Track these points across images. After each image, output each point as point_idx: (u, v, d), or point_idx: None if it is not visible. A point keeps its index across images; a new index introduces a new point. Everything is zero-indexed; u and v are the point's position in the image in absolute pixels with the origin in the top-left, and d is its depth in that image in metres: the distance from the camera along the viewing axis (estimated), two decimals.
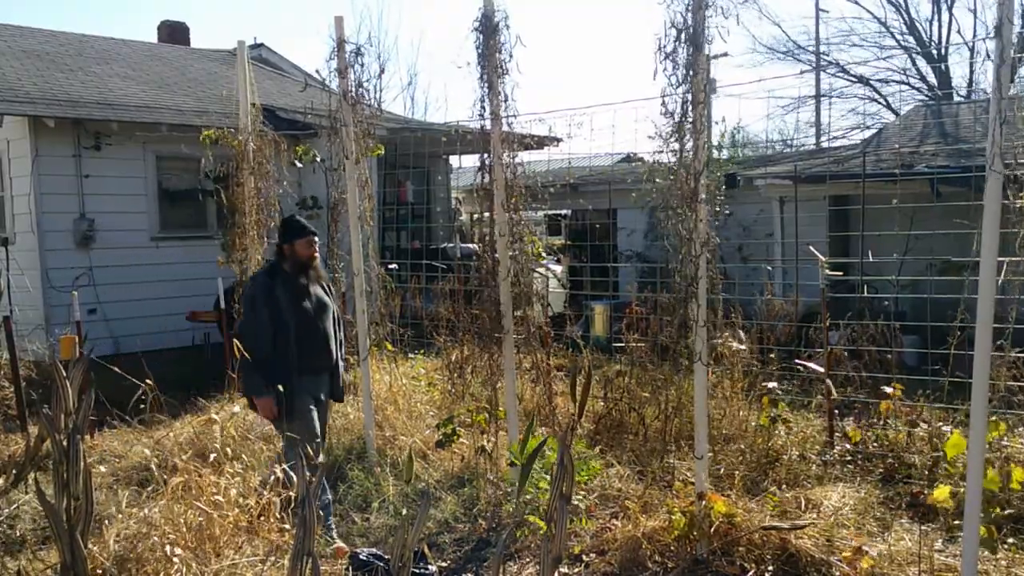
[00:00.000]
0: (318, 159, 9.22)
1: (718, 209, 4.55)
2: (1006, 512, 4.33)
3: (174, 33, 16.69)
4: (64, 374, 2.31)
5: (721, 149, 14.90)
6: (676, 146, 4.30)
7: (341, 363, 5.25)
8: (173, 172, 11.19)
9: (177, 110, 11.33)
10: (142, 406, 5.73)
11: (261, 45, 16.58)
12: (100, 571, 3.70)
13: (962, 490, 4.15)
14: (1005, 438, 5.10)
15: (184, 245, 10.87)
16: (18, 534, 4.86)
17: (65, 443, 2.27)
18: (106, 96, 11.13)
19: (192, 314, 10.09)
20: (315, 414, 4.95)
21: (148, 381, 5.51)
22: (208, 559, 3.92)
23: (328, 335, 5.03)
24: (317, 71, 5.90)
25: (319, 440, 4.94)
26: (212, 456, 4.97)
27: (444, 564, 4.50)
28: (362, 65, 5.83)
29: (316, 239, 5.05)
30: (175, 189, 11.20)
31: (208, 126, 7.08)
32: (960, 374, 5.00)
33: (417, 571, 4.15)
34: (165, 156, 10.88)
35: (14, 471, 5.42)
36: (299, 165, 6.95)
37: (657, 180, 4.56)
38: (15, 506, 5.13)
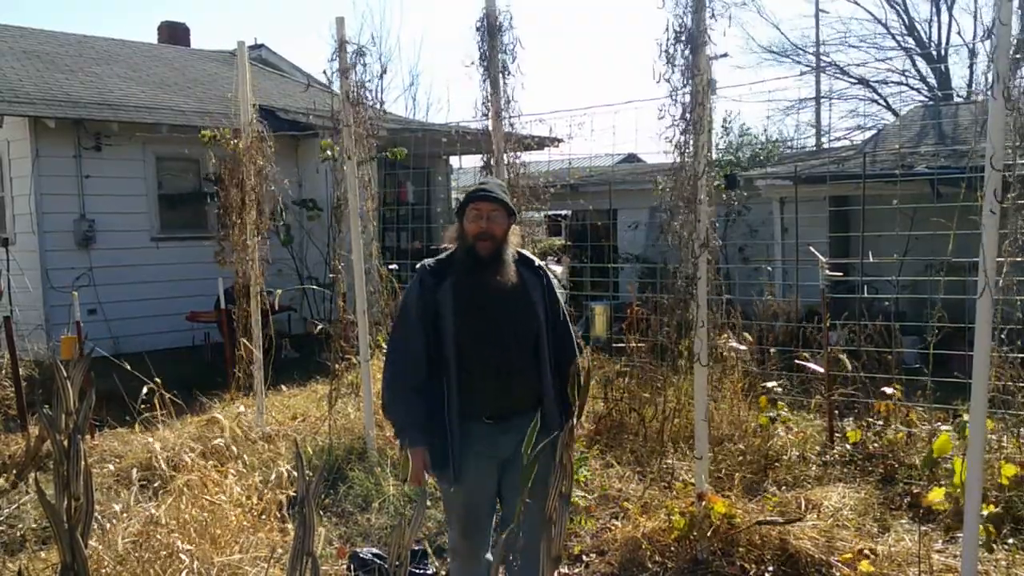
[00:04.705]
0: (329, 155, 9.22)
1: (729, 213, 4.58)
2: (997, 510, 4.34)
3: (174, 33, 16.72)
4: (64, 374, 2.31)
5: (738, 149, 14.91)
6: (678, 147, 4.31)
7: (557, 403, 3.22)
8: (173, 172, 11.22)
9: (177, 111, 11.35)
10: (143, 406, 5.75)
11: (261, 46, 16.60)
12: (105, 569, 3.72)
13: (957, 491, 4.17)
14: (1004, 437, 5.12)
15: (184, 245, 10.88)
16: (19, 534, 4.87)
17: (65, 443, 2.28)
18: (106, 97, 11.15)
19: (192, 314, 10.11)
20: (484, 491, 3.28)
21: (158, 379, 5.54)
22: (211, 557, 3.92)
23: (521, 359, 3.24)
24: (324, 72, 5.90)
25: (484, 536, 3.35)
26: (214, 455, 4.98)
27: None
28: (364, 66, 5.85)
29: (491, 204, 3.22)
30: (175, 190, 11.23)
31: (209, 126, 7.08)
32: (959, 374, 5.01)
33: (416, 571, 4.16)
34: (165, 157, 10.90)
35: (15, 471, 5.44)
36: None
37: (658, 181, 4.58)
38: (16, 506, 5.14)
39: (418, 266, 3.36)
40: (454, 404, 3.17)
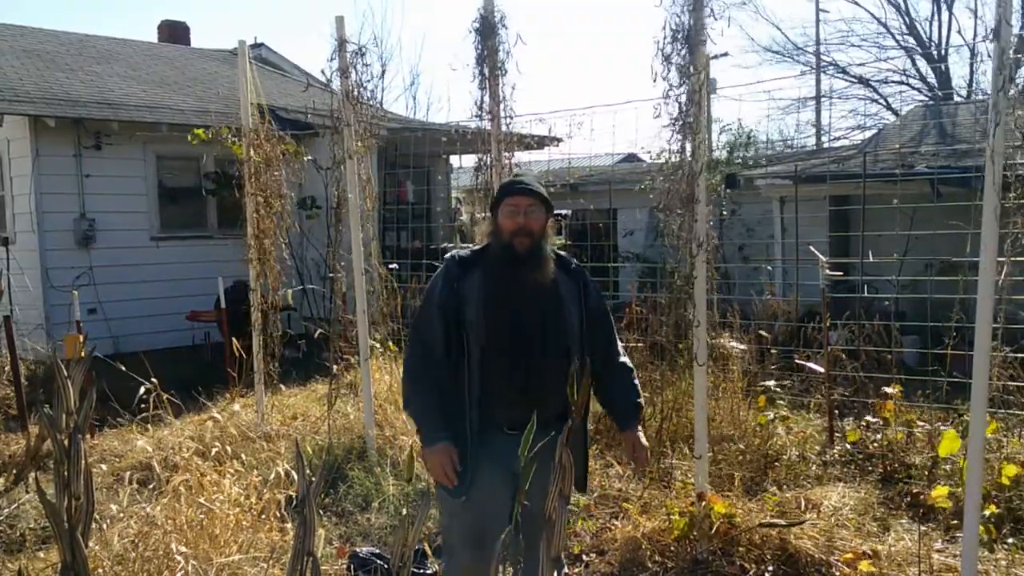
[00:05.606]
0: (308, 158, 9.22)
1: (723, 211, 4.58)
2: (998, 510, 4.34)
3: (174, 33, 16.71)
4: (65, 373, 2.31)
5: (740, 148, 14.87)
6: (675, 147, 4.31)
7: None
8: (173, 172, 11.22)
9: (178, 110, 11.35)
10: (143, 405, 5.75)
11: (261, 45, 16.60)
12: (103, 570, 3.72)
13: (959, 490, 4.17)
14: (1005, 438, 5.12)
15: (184, 245, 10.89)
16: (19, 533, 4.87)
17: (66, 442, 2.27)
18: (107, 96, 11.14)
19: (192, 314, 10.10)
20: (495, 505, 2.94)
21: (154, 380, 5.54)
22: (209, 557, 3.92)
23: (548, 363, 2.98)
24: (323, 71, 5.90)
25: (488, 550, 2.76)
26: (213, 455, 4.98)
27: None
28: (364, 65, 5.86)
29: (529, 199, 3.05)
30: (175, 189, 11.22)
31: (209, 125, 7.07)
32: (957, 374, 5.01)
33: (417, 571, 4.16)
34: (165, 156, 10.90)
35: (15, 471, 5.44)
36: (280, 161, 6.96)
37: (657, 182, 4.58)
38: (16, 505, 5.14)
39: (447, 255, 3.17)
40: (474, 406, 2.98)
